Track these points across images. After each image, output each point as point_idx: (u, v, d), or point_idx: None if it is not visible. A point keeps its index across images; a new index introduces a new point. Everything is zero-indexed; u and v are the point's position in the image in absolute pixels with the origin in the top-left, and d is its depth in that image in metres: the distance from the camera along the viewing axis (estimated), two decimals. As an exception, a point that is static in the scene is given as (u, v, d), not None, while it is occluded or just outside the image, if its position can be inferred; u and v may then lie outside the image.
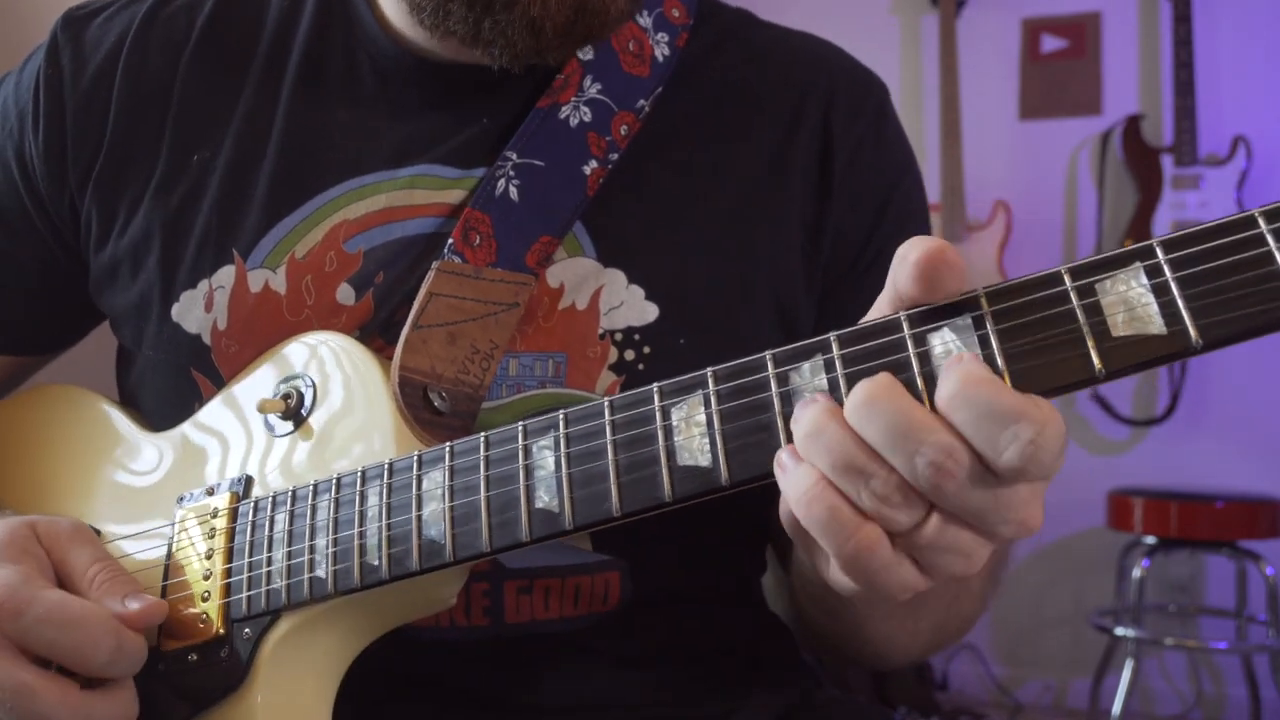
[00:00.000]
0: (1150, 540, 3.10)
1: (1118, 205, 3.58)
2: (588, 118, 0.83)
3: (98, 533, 0.80)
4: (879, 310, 0.57)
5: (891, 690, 3.13)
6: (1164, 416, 3.52)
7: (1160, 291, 0.50)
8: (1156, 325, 0.50)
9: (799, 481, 0.54)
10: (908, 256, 0.53)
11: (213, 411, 0.82)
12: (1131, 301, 0.50)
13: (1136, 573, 3.11)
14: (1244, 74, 3.49)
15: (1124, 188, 3.57)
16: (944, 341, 0.53)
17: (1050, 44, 3.71)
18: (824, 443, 0.53)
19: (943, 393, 0.51)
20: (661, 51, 0.87)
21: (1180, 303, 0.49)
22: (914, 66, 3.85)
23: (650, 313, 0.81)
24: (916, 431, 0.51)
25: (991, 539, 0.54)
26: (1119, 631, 3.08)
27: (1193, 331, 0.49)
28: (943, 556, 0.54)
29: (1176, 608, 3.42)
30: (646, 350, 0.80)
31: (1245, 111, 3.47)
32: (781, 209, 0.86)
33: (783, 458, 0.55)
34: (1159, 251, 0.50)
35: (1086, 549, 3.53)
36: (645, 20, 0.88)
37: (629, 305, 0.81)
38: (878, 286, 0.57)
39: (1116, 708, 3.02)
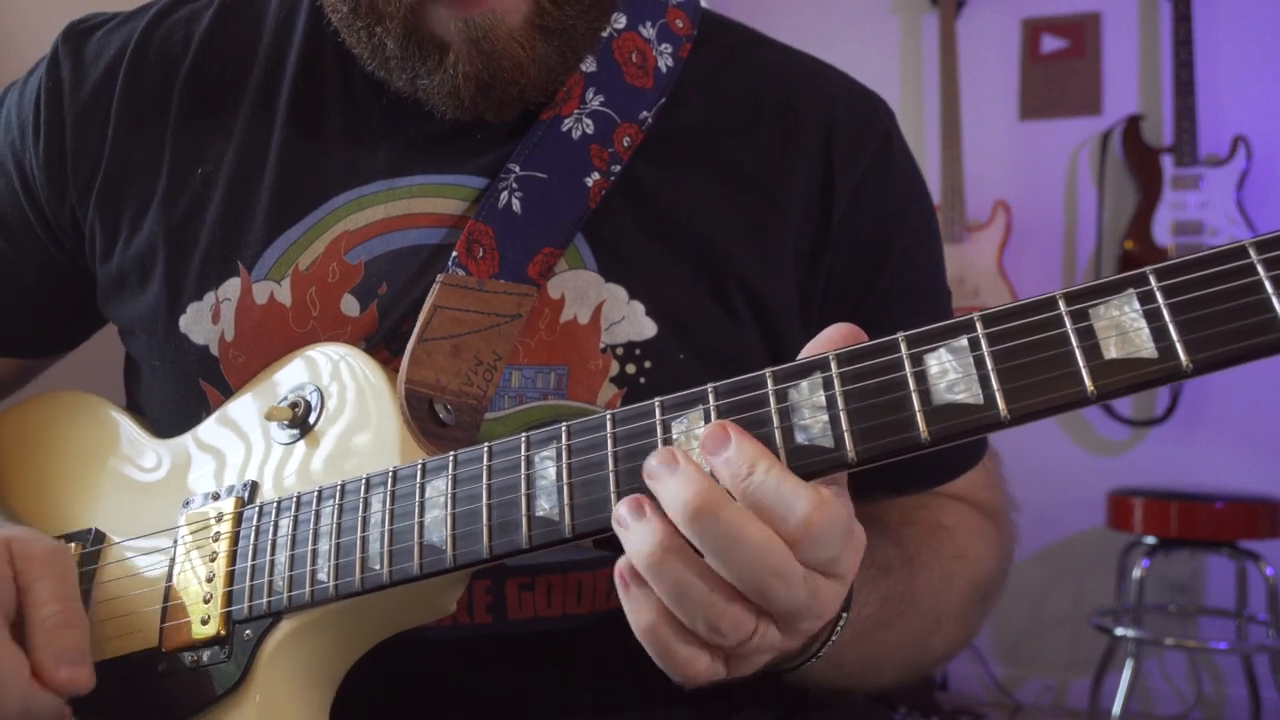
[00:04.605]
0: (1150, 540, 3.10)
1: (1118, 205, 3.58)
2: (590, 130, 0.84)
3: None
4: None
5: (891, 690, 3.13)
6: (1164, 417, 3.52)
7: (1152, 317, 0.51)
8: (1148, 349, 0.51)
9: (642, 539, 0.59)
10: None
11: (220, 419, 0.83)
12: (1124, 326, 0.52)
13: (1136, 573, 3.11)
14: (1244, 74, 3.49)
15: (1124, 188, 3.57)
16: (940, 362, 0.54)
17: (1050, 44, 3.71)
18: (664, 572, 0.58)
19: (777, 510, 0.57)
20: (665, 62, 0.88)
21: (1171, 328, 0.51)
22: (914, 66, 3.85)
23: (650, 329, 0.82)
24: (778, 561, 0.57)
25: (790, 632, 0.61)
26: (1119, 631, 3.08)
27: (1183, 356, 0.50)
28: (753, 656, 0.61)
29: (1176, 608, 3.42)
30: (648, 364, 0.81)
31: (1245, 111, 3.47)
32: (778, 236, 0.86)
33: (622, 513, 0.59)
34: (1152, 279, 0.52)
35: (1086, 549, 3.54)
36: (649, 31, 0.88)
37: (630, 321, 0.81)
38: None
39: (1116, 708, 3.03)
